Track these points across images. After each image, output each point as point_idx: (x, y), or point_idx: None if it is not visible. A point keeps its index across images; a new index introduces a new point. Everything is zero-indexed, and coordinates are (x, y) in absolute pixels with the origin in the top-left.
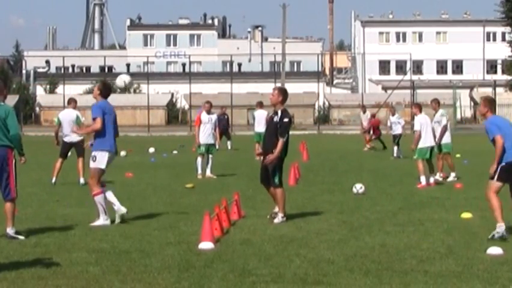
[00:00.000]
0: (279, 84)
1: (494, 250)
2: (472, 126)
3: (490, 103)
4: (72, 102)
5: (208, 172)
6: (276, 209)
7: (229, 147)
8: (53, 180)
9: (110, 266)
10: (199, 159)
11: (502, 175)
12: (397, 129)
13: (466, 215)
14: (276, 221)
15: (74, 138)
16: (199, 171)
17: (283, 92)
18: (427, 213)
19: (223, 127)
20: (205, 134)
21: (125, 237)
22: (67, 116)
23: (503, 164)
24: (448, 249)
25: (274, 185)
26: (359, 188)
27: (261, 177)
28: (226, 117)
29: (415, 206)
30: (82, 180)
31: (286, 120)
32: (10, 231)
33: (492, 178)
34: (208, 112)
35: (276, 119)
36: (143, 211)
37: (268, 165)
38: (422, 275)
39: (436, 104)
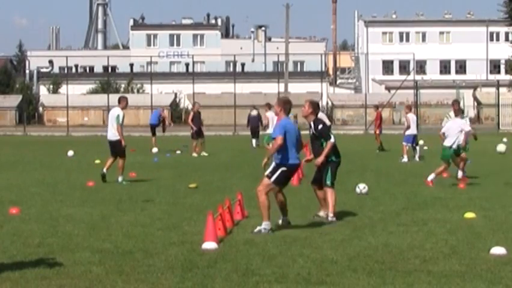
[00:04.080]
0: (282, 84)
1: (498, 250)
2: (475, 126)
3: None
4: (122, 101)
5: None
6: (321, 212)
7: (254, 145)
8: (104, 170)
9: (114, 266)
10: None
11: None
12: (412, 130)
13: (469, 215)
14: (325, 219)
15: (110, 136)
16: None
17: (313, 105)
18: (430, 213)
19: (254, 125)
20: None
21: (128, 237)
22: (111, 114)
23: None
24: (451, 249)
25: (325, 185)
26: (362, 188)
27: (314, 178)
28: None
29: (418, 206)
30: (120, 179)
31: (320, 127)
32: None
33: None
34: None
35: (311, 131)
36: (147, 211)
37: (321, 168)
38: (425, 275)
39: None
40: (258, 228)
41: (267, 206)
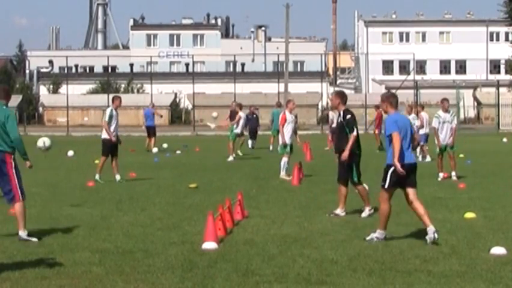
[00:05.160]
0: (282, 84)
1: (498, 250)
2: (475, 126)
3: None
4: (115, 100)
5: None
6: (338, 210)
7: (250, 146)
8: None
9: (114, 266)
10: (285, 159)
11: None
12: (425, 129)
13: (469, 215)
14: (363, 214)
15: (102, 135)
16: (284, 172)
17: (341, 95)
18: (430, 213)
19: (253, 126)
20: (289, 133)
21: (128, 237)
22: None
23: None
24: (451, 249)
25: (353, 182)
26: None
27: (339, 176)
28: (255, 116)
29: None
30: (117, 177)
31: (348, 117)
32: (22, 234)
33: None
34: (291, 111)
35: (339, 119)
36: (147, 211)
37: (345, 163)
38: (425, 275)
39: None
40: (371, 235)
41: (385, 215)
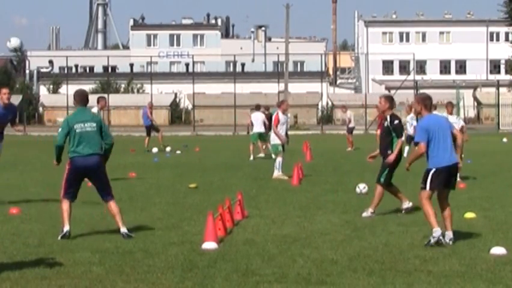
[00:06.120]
0: (282, 84)
1: (498, 250)
2: (475, 126)
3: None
4: (100, 101)
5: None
6: (405, 205)
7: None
8: None
9: (114, 266)
10: (280, 159)
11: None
12: (411, 129)
13: (470, 215)
14: (364, 214)
15: None
16: (280, 171)
17: (389, 100)
18: None
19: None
20: (282, 133)
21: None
22: None
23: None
24: (451, 249)
25: (378, 180)
26: (362, 188)
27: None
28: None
29: (418, 206)
30: None
31: (396, 122)
32: (124, 230)
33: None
34: (284, 112)
35: (386, 123)
36: (147, 211)
37: (385, 163)
38: (425, 275)
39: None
40: (429, 238)
41: (431, 215)
